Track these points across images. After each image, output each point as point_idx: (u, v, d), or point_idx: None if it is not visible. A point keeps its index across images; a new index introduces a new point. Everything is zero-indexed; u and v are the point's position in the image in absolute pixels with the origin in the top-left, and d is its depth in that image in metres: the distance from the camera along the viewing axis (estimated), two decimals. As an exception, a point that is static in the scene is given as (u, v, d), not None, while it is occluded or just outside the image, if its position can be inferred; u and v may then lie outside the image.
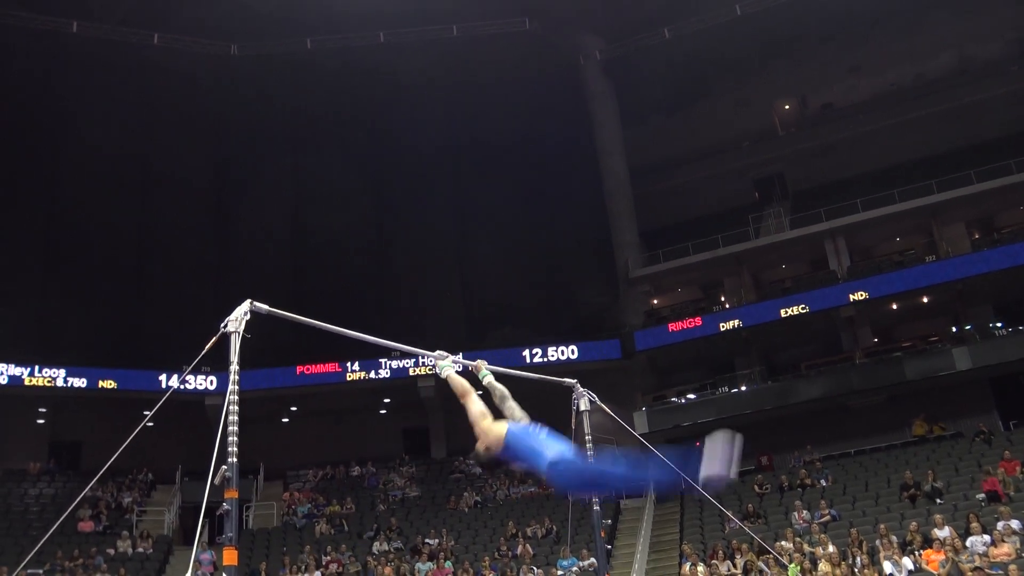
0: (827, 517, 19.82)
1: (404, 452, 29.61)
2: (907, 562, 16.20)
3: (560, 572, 19.80)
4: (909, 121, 30.91)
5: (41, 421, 28.29)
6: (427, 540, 22.44)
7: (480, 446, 5.25)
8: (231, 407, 5.11)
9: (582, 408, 7.87)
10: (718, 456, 4.45)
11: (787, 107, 34.63)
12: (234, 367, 5.21)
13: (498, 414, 5.45)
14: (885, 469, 22.31)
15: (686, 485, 4.60)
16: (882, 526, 17.75)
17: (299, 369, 28.27)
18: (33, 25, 28.51)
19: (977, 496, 18.87)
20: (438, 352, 6.25)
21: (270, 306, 5.56)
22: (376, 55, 31.37)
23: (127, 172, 31.57)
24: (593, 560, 19.27)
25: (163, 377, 26.75)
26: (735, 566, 18.18)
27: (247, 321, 5.35)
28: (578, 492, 4.92)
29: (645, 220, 31.69)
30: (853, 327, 27.39)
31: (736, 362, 28.46)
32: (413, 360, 27.83)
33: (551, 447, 5.01)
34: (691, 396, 27.78)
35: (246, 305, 5.38)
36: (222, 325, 5.32)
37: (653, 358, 28.41)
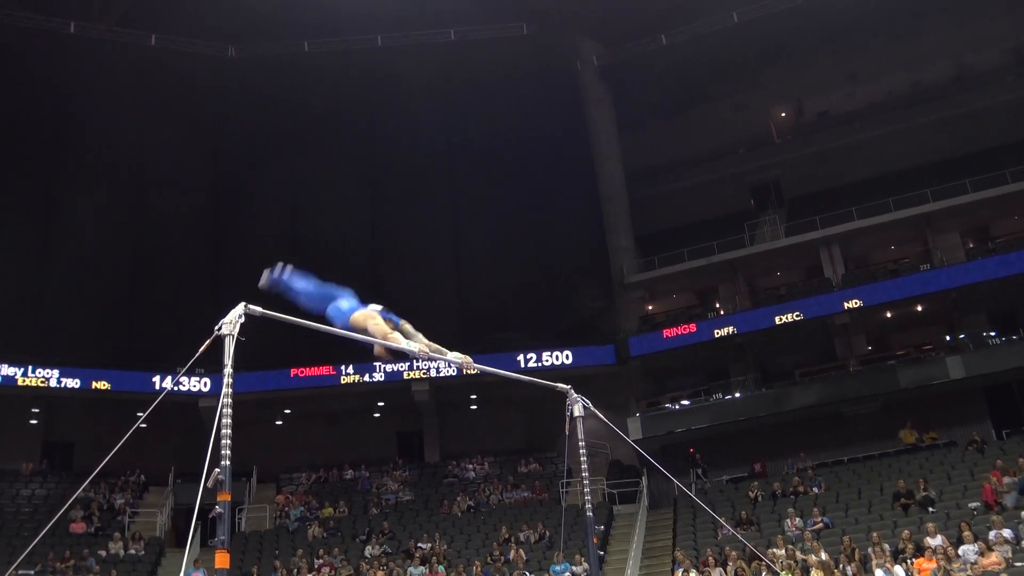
0: (820, 525, 19.84)
1: (397, 456, 29.59)
2: (899, 570, 16.21)
3: (553, 577, 19.79)
4: (905, 129, 30.94)
5: (34, 421, 28.23)
6: (420, 544, 22.41)
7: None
8: (225, 409, 5.11)
9: (576, 414, 7.89)
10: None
11: (783, 114, 34.66)
12: (228, 369, 5.21)
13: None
14: (878, 477, 22.32)
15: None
16: (875, 534, 17.76)
17: (293, 372, 28.24)
18: (30, 24, 28.46)
19: (970, 505, 18.90)
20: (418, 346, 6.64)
21: (266, 308, 5.57)
22: (374, 58, 31.38)
23: (123, 172, 31.54)
24: (586, 565, 19.27)
25: (157, 379, 26.75)
26: (727, 573, 18.17)
27: (241, 324, 5.35)
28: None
29: (641, 225, 31.70)
30: (847, 335, 27.43)
31: (730, 369, 28.51)
32: (407, 364, 27.81)
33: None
34: (685, 402, 27.79)
35: (240, 308, 5.38)
36: (216, 328, 5.31)
37: (647, 364, 28.42)
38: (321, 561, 22.05)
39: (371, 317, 6.77)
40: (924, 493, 19.83)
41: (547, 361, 27.99)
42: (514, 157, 32.25)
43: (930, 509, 19.28)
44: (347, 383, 28.31)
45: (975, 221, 28.60)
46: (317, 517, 25.39)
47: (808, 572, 16.82)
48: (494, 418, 29.70)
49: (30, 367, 26.26)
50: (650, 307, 31.58)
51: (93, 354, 27.56)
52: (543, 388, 8.28)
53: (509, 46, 31.55)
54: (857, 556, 17.17)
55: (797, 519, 20.23)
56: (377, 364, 28.09)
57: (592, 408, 7.96)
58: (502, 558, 21.24)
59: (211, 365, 24.10)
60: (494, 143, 32.09)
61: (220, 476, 4.94)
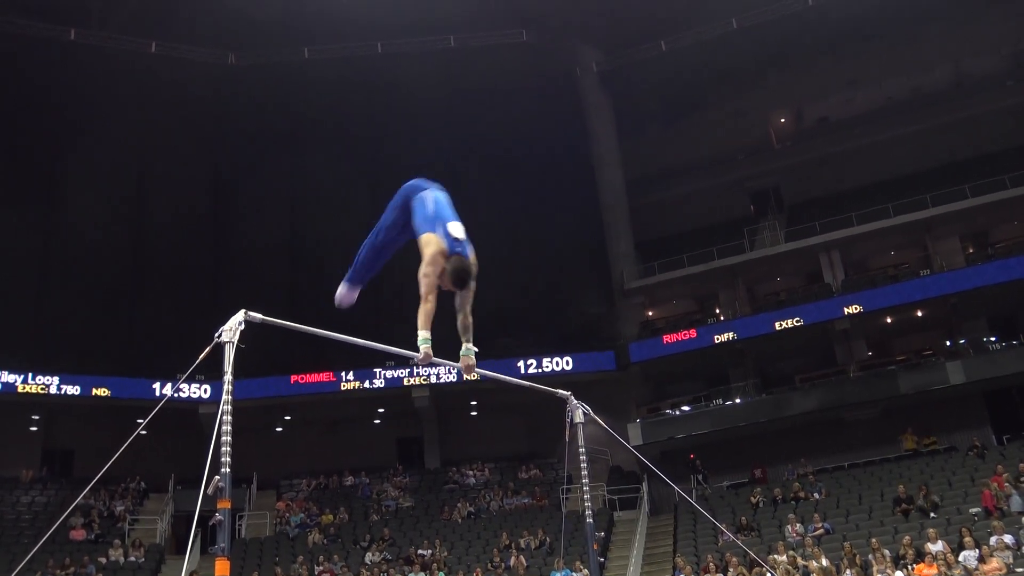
0: (820, 530, 19.81)
1: (398, 462, 29.55)
2: (900, 576, 16.20)
3: (553, 584, 19.76)
4: (904, 135, 30.98)
5: (34, 429, 28.18)
6: (420, 551, 22.38)
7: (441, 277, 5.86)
8: (225, 416, 5.10)
9: (576, 420, 7.89)
10: None
11: (783, 120, 34.68)
12: (228, 376, 5.20)
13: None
14: (879, 482, 22.31)
15: None
16: (875, 540, 17.75)
17: (293, 378, 28.22)
18: (30, 32, 28.47)
19: (971, 510, 18.88)
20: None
21: (265, 315, 5.55)
22: (374, 65, 31.40)
23: (123, 179, 31.54)
24: (587, 572, 19.25)
25: (157, 385, 26.69)
26: (728, 579, 18.15)
27: (241, 331, 5.34)
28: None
29: (641, 231, 31.70)
30: (847, 340, 27.43)
31: (730, 374, 28.46)
32: (407, 370, 27.81)
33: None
34: (685, 408, 27.77)
35: (240, 315, 5.37)
36: (216, 335, 5.30)
37: (648, 370, 28.40)
38: (321, 568, 22.01)
39: (432, 245, 5.81)
40: (925, 499, 19.80)
41: (547, 367, 27.94)
42: (514, 163, 32.21)
43: (931, 515, 19.26)
44: (347, 389, 28.29)
45: (975, 226, 28.62)
46: (317, 524, 25.35)
47: (809, 578, 16.79)
48: (494, 424, 29.67)
49: (30, 374, 26.23)
50: (650, 313, 31.58)
51: (93, 361, 27.51)
52: (543, 394, 8.27)
53: (509, 52, 31.57)
54: (858, 562, 17.14)
55: (798, 525, 20.21)
56: (377, 371, 28.11)
57: (592, 414, 7.96)
58: (502, 564, 21.21)
59: (211, 372, 24.06)
60: (494, 149, 32.06)
61: (220, 483, 4.93)
